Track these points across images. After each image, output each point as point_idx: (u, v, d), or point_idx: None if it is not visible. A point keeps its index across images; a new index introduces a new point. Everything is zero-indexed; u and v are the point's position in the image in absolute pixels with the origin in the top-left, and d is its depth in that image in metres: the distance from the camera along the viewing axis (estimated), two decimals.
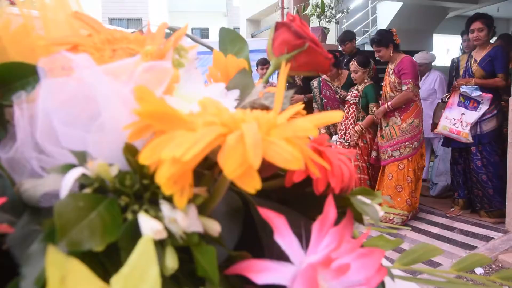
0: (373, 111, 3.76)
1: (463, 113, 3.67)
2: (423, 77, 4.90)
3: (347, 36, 4.54)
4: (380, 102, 3.82)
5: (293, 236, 0.29)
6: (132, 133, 0.25)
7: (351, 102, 3.88)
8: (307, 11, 5.37)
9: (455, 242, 3.45)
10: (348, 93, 4.00)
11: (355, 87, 3.96)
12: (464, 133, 3.65)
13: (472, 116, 3.64)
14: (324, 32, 5.37)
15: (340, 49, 4.72)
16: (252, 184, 0.21)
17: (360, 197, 0.33)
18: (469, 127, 3.61)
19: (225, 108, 0.28)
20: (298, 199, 0.37)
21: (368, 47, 7.66)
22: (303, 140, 0.25)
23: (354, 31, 7.74)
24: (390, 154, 3.61)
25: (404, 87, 3.53)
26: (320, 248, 0.29)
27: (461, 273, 0.48)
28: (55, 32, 0.34)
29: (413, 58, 3.61)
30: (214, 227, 0.26)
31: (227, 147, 0.21)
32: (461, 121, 3.66)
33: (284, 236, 0.28)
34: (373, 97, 3.83)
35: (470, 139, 3.62)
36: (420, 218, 4.02)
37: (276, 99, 0.26)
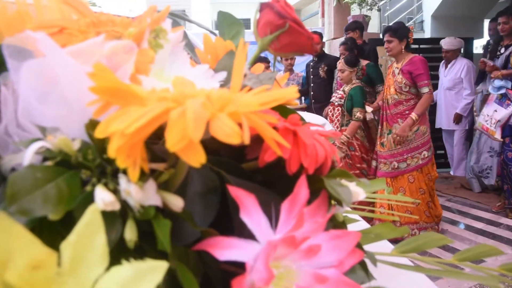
0: (356, 116, 3.36)
1: (496, 110, 3.45)
2: (449, 65, 4.67)
3: (351, 26, 4.34)
4: (380, 106, 3.43)
5: (262, 215, 0.29)
6: (97, 109, 0.26)
7: (336, 104, 3.52)
8: None
9: (501, 238, 3.30)
10: (334, 94, 3.69)
11: (342, 88, 3.60)
12: (491, 131, 3.43)
13: (501, 113, 3.41)
14: (365, 20, 5.23)
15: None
16: (196, 158, 0.22)
17: (337, 180, 0.32)
18: (496, 125, 3.38)
19: (194, 86, 0.29)
20: (282, 181, 0.37)
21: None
22: (261, 116, 0.25)
23: (398, 18, 7.49)
24: (396, 166, 3.22)
25: (425, 89, 3.12)
26: (288, 228, 0.29)
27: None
28: (47, 17, 0.35)
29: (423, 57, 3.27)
30: (177, 203, 0.27)
31: (170, 121, 0.21)
32: (491, 118, 3.45)
33: (251, 214, 0.28)
34: (359, 101, 3.41)
35: (498, 138, 3.42)
36: (464, 212, 3.87)
37: (233, 77, 0.26)
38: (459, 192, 4.39)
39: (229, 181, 0.33)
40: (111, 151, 0.22)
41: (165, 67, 0.36)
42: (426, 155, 3.19)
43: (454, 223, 3.65)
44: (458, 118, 4.59)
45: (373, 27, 6.75)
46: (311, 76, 4.37)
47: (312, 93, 4.33)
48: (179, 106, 0.22)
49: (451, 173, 4.93)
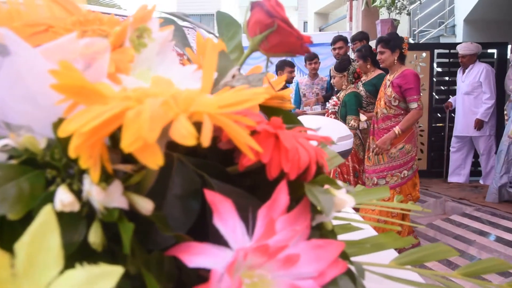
0: (350, 125, 3.21)
1: None
2: (467, 70, 4.56)
3: (357, 36, 4.23)
4: (371, 119, 3.24)
5: (238, 221, 0.28)
6: (67, 108, 0.26)
7: (330, 111, 3.40)
8: (377, 3, 5.16)
9: None
10: (330, 101, 3.55)
11: (337, 94, 3.48)
12: None
13: None
14: (394, 24, 5.13)
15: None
16: (152, 160, 0.21)
17: (322, 187, 0.31)
18: None
19: (172, 86, 0.28)
20: (270, 186, 0.36)
21: (443, 40, 7.20)
22: (234, 118, 0.24)
23: (429, 22, 7.32)
24: (376, 182, 3.07)
25: (413, 105, 2.94)
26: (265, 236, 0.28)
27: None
28: (36, 15, 0.35)
29: (414, 71, 3.08)
30: (146, 206, 0.26)
31: (125, 121, 0.21)
32: None
33: (225, 220, 0.27)
34: (353, 108, 3.26)
35: None
36: (493, 223, 3.72)
37: (203, 78, 0.25)
38: (488, 201, 4.23)
39: (211, 185, 0.32)
40: (70, 151, 0.22)
41: (152, 67, 0.36)
42: (406, 175, 3.03)
43: (483, 234, 3.52)
44: (479, 124, 4.46)
45: (403, 32, 6.62)
46: None
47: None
48: (138, 106, 0.21)
49: (481, 182, 4.77)
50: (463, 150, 4.77)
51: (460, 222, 3.72)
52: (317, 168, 0.32)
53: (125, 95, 0.23)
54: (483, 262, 0.45)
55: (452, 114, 4.98)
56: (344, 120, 3.26)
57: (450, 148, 4.82)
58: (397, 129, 2.97)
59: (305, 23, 10.36)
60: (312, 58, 4.38)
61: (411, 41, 6.14)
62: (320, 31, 7.87)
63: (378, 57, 3.09)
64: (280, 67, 4.29)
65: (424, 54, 5.12)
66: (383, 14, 5.42)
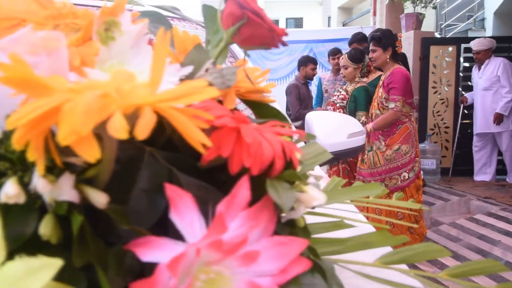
0: (361, 121, 3.02)
1: None
2: (483, 66, 4.46)
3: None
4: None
5: (196, 216, 0.27)
6: (22, 100, 0.26)
7: (338, 105, 3.19)
8: None
9: None
10: (335, 94, 3.36)
11: (344, 87, 3.29)
12: None
13: None
14: (419, 18, 5.01)
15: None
16: (89, 153, 0.21)
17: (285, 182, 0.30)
18: None
19: (133, 78, 0.28)
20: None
21: (472, 34, 6.98)
22: (187, 112, 0.24)
23: (457, 16, 7.11)
24: None
25: (391, 105, 2.83)
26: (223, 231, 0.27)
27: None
28: (12, 9, 0.36)
29: (406, 70, 2.89)
30: (99, 200, 0.26)
31: (61, 114, 0.20)
32: None
33: (182, 214, 0.27)
34: (363, 103, 3.11)
35: None
36: None
37: (151, 71, 0.25)
38: None
39: (178, 180, 0.32)
40: (13, 143, 0.22)
41: (125, 61, 0.35)
42: (406, 177, 2.87)
43: (509, 234, 3.41)
44: (499, 118, 4.33)
45: (429, 26, 6.45)
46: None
47: None
48: (77, 98, 0.21)
49: (508, 180, 4.62)
50: (486, 148, 4.63)
51: (485, 221, 3.61)
52: (286, 164, 0.31)
53: (70, 88, 0.23)
54: (474, 263, 0.43)
55: (465, 111, 4.85)
56: (352, 115, 3.09)
57: (473, 147, 4.69)
58: (369, 126, 2.88)
59: (329, 18, 10.24)
60: (335, 53, 4.31)
61: (437, 35, 5.98)
62: (343, 26, 7.77)
63: (370, 55, 2.97)
64: (303, 63, 4.25)
65: (450, 49, 4.99)
66: (408, 8, 5.30)
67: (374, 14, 5.77)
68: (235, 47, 1.29)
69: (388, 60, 2.88)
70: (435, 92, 5.03)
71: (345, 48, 5.03)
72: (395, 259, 0.43)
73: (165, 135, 0.34)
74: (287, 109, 4.19)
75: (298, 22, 17.44)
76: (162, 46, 0.25)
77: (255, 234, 0.28)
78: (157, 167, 0.33)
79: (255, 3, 0.33)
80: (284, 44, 0.35)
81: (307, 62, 4.25)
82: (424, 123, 5.05)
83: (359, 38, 3.99)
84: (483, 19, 6.96)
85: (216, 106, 0.30)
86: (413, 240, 2.87)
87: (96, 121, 0.20)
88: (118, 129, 0.20)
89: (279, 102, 4.41)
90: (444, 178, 4.77)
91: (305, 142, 0.48)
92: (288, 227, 0.32)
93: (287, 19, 17.73)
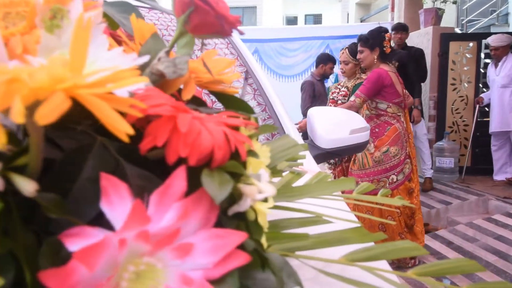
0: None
1: None
2: (500, 63, 4.34)
3: (399, 26, 4.14)
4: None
5: (128, 206, 0.27)
6: None
7: (340, 101, 3.11)
8: None
9: None
10: (334, 90, 3.27)
11: (343, 83, 3.22)
12: None
13: None
14: (438, 13, 4.90)
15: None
16: None
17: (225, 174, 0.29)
18: None
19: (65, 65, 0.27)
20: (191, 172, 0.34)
21: (495, 29, 6.79)
22: (116, 100, 0.23)
23: (479, 11, 6.92)
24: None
25: (352, 97, 2.81)
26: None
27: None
28: None
29: (387, 72, 2.78)
30: (27, 188, 0.25)
31: None
32: None
33: (113, 204, 0.26)
34: None
35: None
36: None
37: (70, 56, 0.24)
38: None
39: (124, 170, 0.31)
40: None
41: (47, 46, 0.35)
42: (394, 180, 2.79)
43: None
44: None
45: (450, 22, 6.30)
46: None
47: None
48: None
49: None
50: (505, 147, 4.51)
51: (504, 222, 3.51)
52: (232, 155, 0.31)
53: None
54: (446, 262, 0.41)
55: (486, 108, 4.72)
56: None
57: (491, 147, 4.56)
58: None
59: (348, 14, 10.12)
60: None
61: (458, 31, 5.84)
62: (361, 22, 7.66)
63: (357, 56, 2.93)
64: (324, 61, 4.21)
65: (471, 45, 4.86)
66: (427, 3, 5.18)
67: (392, 10, 5.66)
68: (235, 40, 1.28)
69: (375, 60, 2.83)
70: (454, 89, 4.92)
71: None
72: (362, 256, 0.41)
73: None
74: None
75: (317, 19, 17.29)
76: (82, 30, 0.24)
77: (191, 226, 0.28)
78: (105, 157, 0.32)
79: None
80: (240, 32, 0.34)
81: (328, 61, 4.22)
82: (442, 121, 4.94)
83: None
84: (506, 14, 6.77)
85: (157, 95, 0.29)
86: None
87: (2, 106, 0.20)
88: (16, 113, 0.19)
89: (295, 98, 4.33)
90: (464, 177, 4.67)
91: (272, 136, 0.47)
92: (236, 220, 0.32)
93: (305, 15, 17.61)
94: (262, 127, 0.38)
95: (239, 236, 0.28)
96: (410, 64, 4.04)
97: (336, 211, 0.58)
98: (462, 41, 4.89)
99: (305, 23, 17.08)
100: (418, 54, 4.36)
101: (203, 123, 0.29)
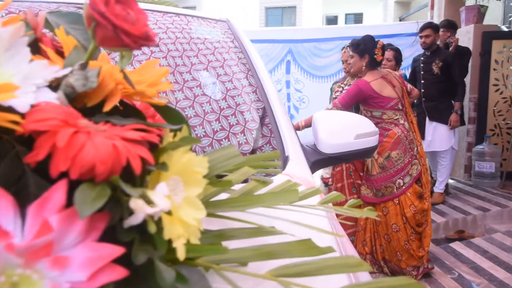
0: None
1: None
2: None
3: (446, 24, 3.97)
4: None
5: (12, 218, 0.28)
6: None
7: None
8: None
9: None
10: (337, 89, 3.17)
11: (346, 81, 3.12)
12: None
13: None
14: (480, 11, 4.67)
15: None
16: None
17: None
18: None
19: None
20: None
21: None
22: None
23: None
24: (374, 192, 2.77)
25: (329, 105, 2.80)
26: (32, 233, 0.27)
27: None
28: None
29: (369, 83, 2.67)
30: None
31: None
32: None
33: None
34: None
35: None
36: None
37: None
38: None
39: (28, 178, 0.32)
40: None
41: (1, 63, 0.36)
42: (401, 184, 2.70)
43: None
44: None
45: (495, 19, 6.00)
46: (421, 72, 4.06)
47: (423, 90, 4.01)
48: None
49: None
50: None
51: None
52: (124, 168, 0.31)
53: None
54: (379, 281, 0.39)
55: None
56: (356, 111, 2.91)
57: None
58: (301, 122, 2.73)
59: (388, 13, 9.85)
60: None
61: (504, 28, 5.54)
62: (400, 20, 7.43)
63: (348, 60, 2.86)
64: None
65: None
66: (469, 0, 4.96)
67: (432, 8, 5.46)
68: (249, 53, 1.26)
69: (364, 67, 2.74)
70: (496, 90, 4.67)
71: (400, 43, 4.82)
72: (291, 272, 0.40)
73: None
74: None
75: (357, 18, 16.97)
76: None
77: (71, 238, 0.28)
78: (14, 166, 0.33)
79: (110, 2, 0.32)
80: (152, 45, 0.34)
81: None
82: (483, 124, 4.71)
83: None
84: None
85: (49, 109, 0.30)
86: (408, 257, 2.70)
87: None
88: None
89: (327, 99, 4.21)
90: (505, 183, 4.43)
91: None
92: (132, 233, 0.32)
93: (346, 14, 17.32)
94: (183, 138, 0.38)
95: (115, 250, 0.28)
96: (455, 65, 3.90)
97: (307, 219, 0.57)
98: (506, 40, 4.64)
99: (346, 23, 16.80)
100: (465, 53, 4.18)
101: (91, 137, 0.29)
